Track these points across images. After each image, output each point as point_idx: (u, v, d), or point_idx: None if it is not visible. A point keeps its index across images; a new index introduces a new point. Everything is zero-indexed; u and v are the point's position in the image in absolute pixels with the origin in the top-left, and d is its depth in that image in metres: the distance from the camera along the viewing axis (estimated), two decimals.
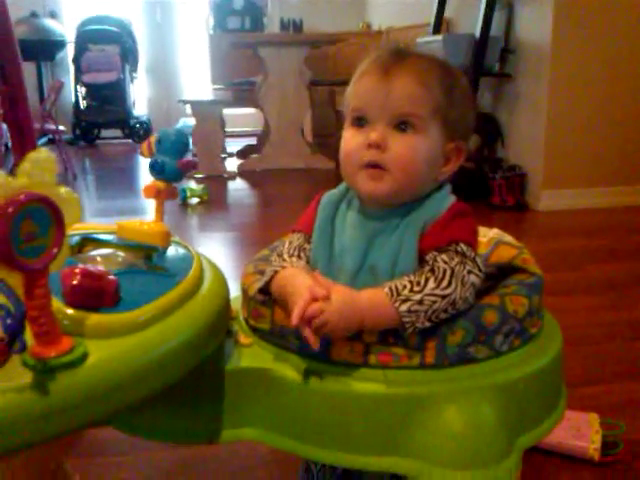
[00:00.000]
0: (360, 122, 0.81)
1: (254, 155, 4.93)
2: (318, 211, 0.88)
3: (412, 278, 0.75)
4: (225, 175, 4.46)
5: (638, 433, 1.27)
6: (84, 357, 0.58)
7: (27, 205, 0.51)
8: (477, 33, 3.35)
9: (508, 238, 1.01)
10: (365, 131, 0.80)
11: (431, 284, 0.74)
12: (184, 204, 3.55)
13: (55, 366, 0.55)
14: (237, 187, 4.25)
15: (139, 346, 0.64)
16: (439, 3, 3.92)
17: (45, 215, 0.53)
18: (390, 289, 0.74)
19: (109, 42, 6.15)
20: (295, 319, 0.70)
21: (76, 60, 6.14)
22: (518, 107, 3.47)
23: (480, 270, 0.78)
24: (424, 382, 0.75)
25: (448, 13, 4.03)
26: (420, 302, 0.73)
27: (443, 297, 0.74)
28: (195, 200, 3.63)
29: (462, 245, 0.77)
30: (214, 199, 3.74)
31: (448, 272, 0.75)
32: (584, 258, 2.49)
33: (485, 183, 3.35)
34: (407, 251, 0.79)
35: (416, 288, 0.74)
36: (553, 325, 0.90)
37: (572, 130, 3.23)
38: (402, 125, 0.78)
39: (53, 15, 6.32)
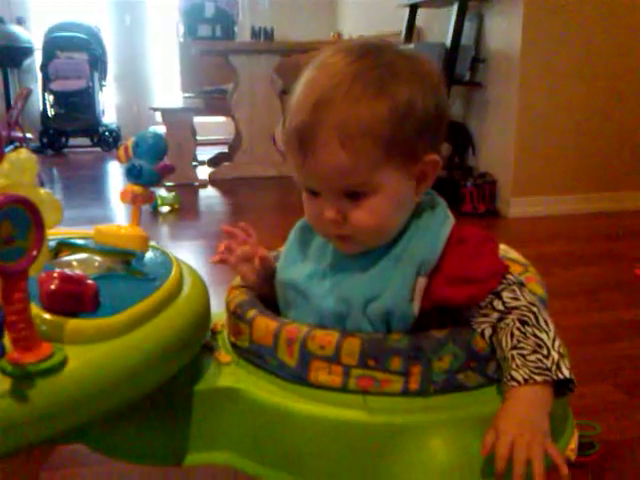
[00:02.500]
0: (312, 192, 0.75)
1: (225, 163, 4.90)
2: (289, 237, 0.86)
3: (521, 348, 0.71)
4: (196, 183, 4.43)
5: (613, 434, 1.28)
6: (63, 363, 0.57)
7: (5, 207, 0.49)
8: (448, 42, 3.38)
9: (514, 254, 0.96)
10: (319, 201, 0.74)
11: (544, 335, 0.75)
12: (155, 212, 3.51)
13: (34, 372, 0.54)
14: (208, 195, 4.22)
15: (119, 352, 0.62)
16: (410, 12, 3.95)
17: (24, 217, 0.51)
18: (536, 371, 0.69)
19: (77, 49, 6.06)
20: None
21: (44, 67, 6.03)
22: (488, 115, 3.51)
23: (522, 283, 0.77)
24: (407, 410, 0.70)
25: (419, 22, 4.06)
26: (559, 352, 0.73)
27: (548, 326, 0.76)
28: (166, 208, 3.59)
29: (509, 277, 0.75)
30: (185, 207, 3.71)
31: (533, 311, 0.76)
32: (554, 263, 2.51)
33: (456, 191, 3.37)
34: (397, 290, 0.72)
35: (545, 351, 0.72)
36: None
37: (541, 138, 3.27)
38: (351, 195, 0.71)
39: (20, 21, 6.21)
